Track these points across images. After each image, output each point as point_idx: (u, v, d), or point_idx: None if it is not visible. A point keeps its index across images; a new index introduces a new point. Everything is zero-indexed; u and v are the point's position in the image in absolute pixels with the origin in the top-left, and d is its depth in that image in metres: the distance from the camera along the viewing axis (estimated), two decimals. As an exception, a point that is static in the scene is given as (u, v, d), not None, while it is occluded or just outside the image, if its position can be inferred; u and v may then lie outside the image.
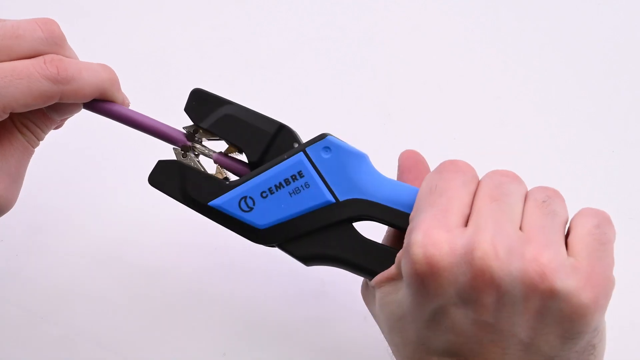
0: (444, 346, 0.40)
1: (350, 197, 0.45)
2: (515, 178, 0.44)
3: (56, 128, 0.51)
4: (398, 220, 0.45)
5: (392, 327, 0.42)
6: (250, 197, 0.46)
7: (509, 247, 0.38)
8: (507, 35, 0.76)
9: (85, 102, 0.46)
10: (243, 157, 0.48)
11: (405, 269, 0.40)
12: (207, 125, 0.47)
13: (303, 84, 0.72)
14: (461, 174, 0.43)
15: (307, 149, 0.46)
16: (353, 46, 0.75)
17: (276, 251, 0.56)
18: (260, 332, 0.55)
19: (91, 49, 0.72)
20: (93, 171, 0.65)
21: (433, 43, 0.76)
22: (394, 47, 0.75)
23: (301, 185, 0.45)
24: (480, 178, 0.44)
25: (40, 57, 0.44)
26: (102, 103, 0.47)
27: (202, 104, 0.48)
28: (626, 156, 0.66)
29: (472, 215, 0.40)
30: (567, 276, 0.38)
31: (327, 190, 0.45)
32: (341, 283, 0.53)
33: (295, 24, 0.78)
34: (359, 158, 0.46)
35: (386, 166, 0.66)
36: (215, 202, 0.46)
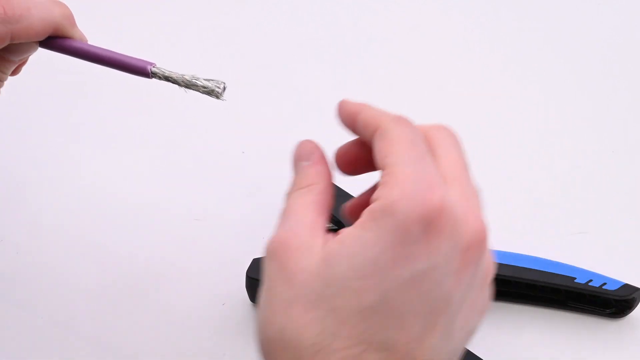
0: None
1: None
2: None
3: (15, 74, 0.50)
4: None
5: (333, 283, 0.36)
6: None
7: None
8: (507, 35, 0.76)
9: (39, 39, 0.46)
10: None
11: (406, 212, 0.35)
12: None
13: (303, 84, 0.72)
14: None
15: None
16: (353, 46, 0.75)
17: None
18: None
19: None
20: (93, 170, 0.65)
21: (433, 43, 0.76)
22: (394, 47, 0.76)
23: None
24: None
25: None
26: (58, 40, 0.46)
27: None
28: (626, 156, 0.66)
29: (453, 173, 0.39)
30: None
31: None
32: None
33: (295, 24, 0.78)
34: None
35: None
36: None
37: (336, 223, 0.58)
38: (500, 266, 0.55)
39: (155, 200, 0.62)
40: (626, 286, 0.54)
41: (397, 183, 0.36)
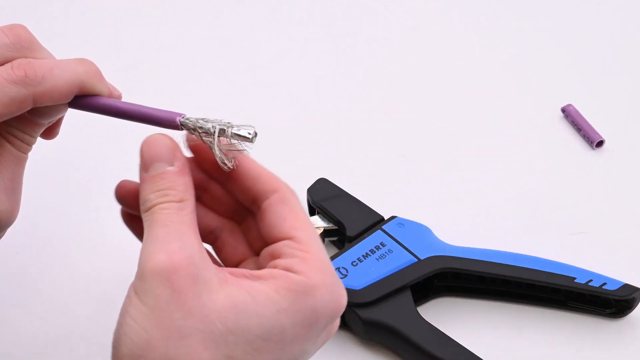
0: None
1: (429, 255, 0.54)
2: None
3: (51, 137, 0.49)
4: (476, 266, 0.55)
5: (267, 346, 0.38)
6: (343, 267, 0.54)
7: None
8: (507, 35, 0.76)
9: (65, 101, 0.44)
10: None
11: (325, 302, 0.38)
12: (321, 203, 0.58)
13: (302, 84, 0.72)
14: None
15: (383, 227, 0.56)
16: (353, 47, 0.75)
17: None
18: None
19: (89, 48, 0.72)
20: (93, 169, 0.65)
21: (433, 43, 0.76)
22: (394, 47, 0.75)
23: (386, 252, 0.55)
24: None
25: (9, 64, 0.42)
26: (85, 98, 0.44)
27: (323, 188, 0.59)
28: (626, 156, 0.66)
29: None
30: None
31: (409, 253, 0.55)
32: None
33: (294, 25, 0.78)
34: (425, 229, 0.57)
35: (386, 165, 0.67)
36: None
37: (336, 223, 0.58)
38: (500, 266, 0.55)
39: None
40: (626, 286, 0.54)
41: (317, 268, 0.38)
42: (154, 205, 0.39)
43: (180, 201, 0.39)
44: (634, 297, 0.54)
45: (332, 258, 0.54)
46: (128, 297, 0.38)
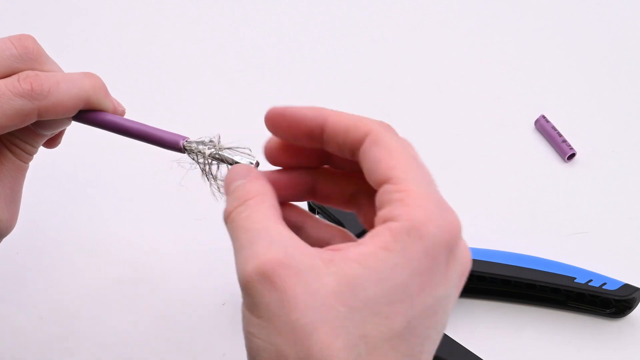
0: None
1: None
2: None
3: (53, 147, 0.49)
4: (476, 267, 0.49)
5: (365, 308, 0.34)
6: None
7: None
8: (507, 35, 0.76)
9: (70, 115, 0.44)
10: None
11: (438, 240, 0.35)
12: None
13: (302, 84, 0.72)
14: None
15: None
16: (352, 46, 0.75)
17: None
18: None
19: (90, 51, 0.72)
20: (94, 169, 0.65)
21: (433, 43, 0.76)
22: (394, 46, 0.75)
23: None
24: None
25: (15, 75, 0.42)
26: (90, 113, 0.44)
27: None
28: (626, 156, 0.66)
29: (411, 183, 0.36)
30: None
31: None
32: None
33: (294, 24, 0.77)
34: None
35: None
36: None
37: (337, 223, 0.57)
38: (500, 266, 0.55)
39: (155, 201, 0.62)
40: (626, 286, 0.54)
41: (418, 204, 0.34)
42: (231, 212, 0.37)
43: (256, 196, 0.37)
44: (634, 297, 0.54)
45: None
46: (244, 319, 0.36)
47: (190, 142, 0.43)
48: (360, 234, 0.52)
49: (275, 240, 0.34)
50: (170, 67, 0.72)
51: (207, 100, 0.71)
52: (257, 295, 0.34)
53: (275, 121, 0.39)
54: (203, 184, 0.64)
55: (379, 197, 0.36)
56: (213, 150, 0.43)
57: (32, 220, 0.60)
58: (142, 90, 0.70)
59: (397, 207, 0.35)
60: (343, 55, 0.75)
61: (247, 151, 0.42)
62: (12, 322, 0.55)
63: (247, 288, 0.34)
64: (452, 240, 0.35)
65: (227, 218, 0.37)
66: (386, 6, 0.79)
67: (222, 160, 0.43)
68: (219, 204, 0.61)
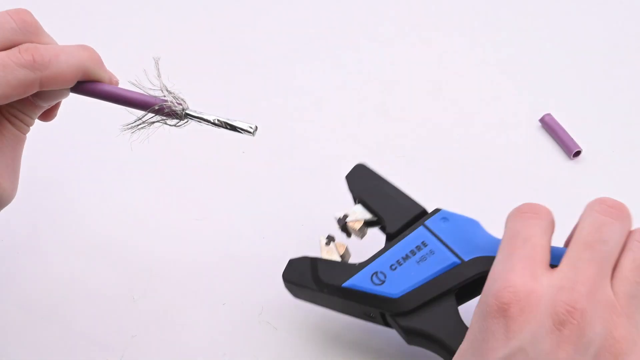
0: None
1: (474, 256, 0.49)
2: (619, 216, 0.43)
3: (49, 119, 0.51)
4: None
5: None
6: (381, 272, 0.49)
7: (592, 310, 0.38)
8: (512, 33, 0.76)
9: (69, 85, 0.45)
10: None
11: (488, 310, 0.39)
12: (360, 193, 0.53)
13: (302, 84, 0.72)
14: (540, 220, 0.43)
15: (426, 222, 0.51)
16: (353, 45, 0.75)
17: (274, 253, 0.56)
18: (260, 332, 0.55)
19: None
20: (92, 168, 0.65)
21: (436, 41, 0.76)
22: (394, 46, 0.75)
23: (427, 253, 0.49)
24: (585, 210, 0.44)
25: (16, 47, 0.43)
26: (88, 84, 0.46)
27: (362, 176, 0.54)
28: (626, 155, 0.66)
29: (564, 261, 0.41)
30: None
31: (452, 253, 0.49)
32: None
33: (294, 24, 0.77)
34: (473, 223, 0.51)
35: (385, 164, 0.66)
36: (349, 283, 0.49)
37: (376, 216, 0.55)
38: None
39: (156, 201, 0.62)
40: None
41: (489, 278, 0.43)
42: None
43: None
44: None
45: (370, 260, 0.50)
46: None
47: (192, 110, 0.47)
48: (398, 232, 0.52)
49: None
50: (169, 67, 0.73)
51: (207, 100, 0.71)
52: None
53: None
54: (204, 184, 0.64)
55: None
56: (214, 117, 0.46)
57: (33, 220, 0.61)
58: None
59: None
60: (343, 54, 0.75)
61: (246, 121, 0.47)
62: (12, 321, 0.55)
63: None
64: (501, 304, 0.39)
65: None
66: (388, 4, 0.79)
67: (223, 125, 0.46)
68: (218, 207, 0.62)
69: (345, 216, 0.53)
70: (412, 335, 0.49)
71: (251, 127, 0.46)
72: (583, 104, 0.70)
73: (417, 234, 0.50)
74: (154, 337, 0.55)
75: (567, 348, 0.37)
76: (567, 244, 0.45)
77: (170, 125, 0.47)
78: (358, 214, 0.53)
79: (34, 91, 0.44)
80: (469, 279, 0.48)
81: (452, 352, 0.46)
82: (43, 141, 0.56)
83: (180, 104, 0.46)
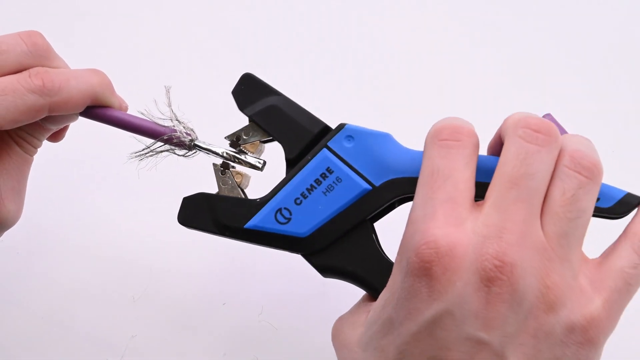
0: None
1: (387, 179, 0.43)
2: (546, 141, 0.39)
3: (58, 140, 0.50)
4: None
5: (369, 346, 0.38)
6: (285, 208, 0.44)
7: (522, 261, 0.35)
8: (512, 33, 0.76)
9: (78, 111, 0.45)
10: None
11: (410, 267, 0.36)
12: (250, 112, 0.46)
13: (302, 84, 0.72)
14: (462, 148, 0.38)
15: (328, 144, 0.44)
16: (353, 46, 0.75)
17: (274, 253, 0.56)
18: (260, 332, 0.55)
19: (91, 50, 0.72)
20: (92, 169, 0.65)
21: (435, 42, 0.76)
22: (394, 46, 0.75)
23: (333, 182, 0.43)
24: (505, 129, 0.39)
25: (26, 71, 0.43)
26: (97, 109, 0.46)
27: (250, 90, 0.47)
28: (626, 155, 0.66)
29: (488, 200, 0.37)
30: (578, 308, 0.36)
31: (361, 179, 0.43)
32: (341, 284, 0.53)
33: (295, 23, 0.77)
34: (384, 138, 0.44)
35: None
36: (251, 224, 0.44)
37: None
38: None
39: (154, 202, 0.62)
40: None
41: (405, 232, 0.39)
42: None
43: None
44: None
45: (272, 194, 0.44)
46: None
47: (200, 141, 0.47)
48: (298, 157, 0.45)
49: None
50: (169, 65, 0.72)
51: (206, 99, 0.71)
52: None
53: None
54: (201, 186, 0.64)
55: None
56: (223, 149, 0.46)
57: (33, 220, 0.61)
58: (141, 87, 0.70)
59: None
60: (343, 54, 0.74)
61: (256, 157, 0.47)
62: (12, 322, 0.55)
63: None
64: (423, 263, 0.36)
65: None
66: (388, 4, 0.79)
67: (232, 159, 0.46)
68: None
69: (239, 137, 0.47)
70: (328, 273, 0.45)
71: (259, 162, 0.45)
72: (583, 104, 0.70)
73: (320, 159, 0.44)
74: (154, 337, 0.55)
75: (498, 306, 0.34)
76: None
77: (178, 155, 0.47)
78: (250, 136, 0.47)
79: (43, 116, 0.43)
80: (383, 205, 0.43)
81: (375, 289, 0.43)
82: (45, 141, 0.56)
83: (189, 135, 0.46)
